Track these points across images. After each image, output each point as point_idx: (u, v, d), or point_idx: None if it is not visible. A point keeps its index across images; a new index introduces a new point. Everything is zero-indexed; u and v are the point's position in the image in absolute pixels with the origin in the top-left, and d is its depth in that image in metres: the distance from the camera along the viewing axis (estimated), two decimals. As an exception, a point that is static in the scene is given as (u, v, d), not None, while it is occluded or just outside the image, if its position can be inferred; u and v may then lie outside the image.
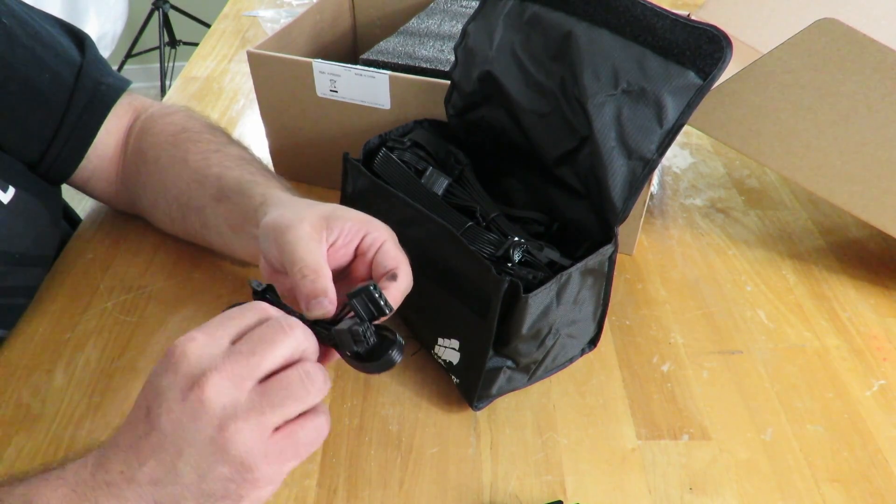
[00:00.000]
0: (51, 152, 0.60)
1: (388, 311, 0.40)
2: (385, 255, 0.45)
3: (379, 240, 0.46)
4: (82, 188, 0.67)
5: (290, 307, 0.43)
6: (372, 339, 0.40)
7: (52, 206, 0.62)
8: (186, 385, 0.35)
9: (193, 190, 0.59)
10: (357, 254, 0.46)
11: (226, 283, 0.65)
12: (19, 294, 0.60)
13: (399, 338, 0.40)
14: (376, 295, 0.40)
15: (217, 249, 0.62)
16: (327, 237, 0.44)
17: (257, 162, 0.61)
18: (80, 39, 0.63)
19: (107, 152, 0.64)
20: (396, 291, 0.44)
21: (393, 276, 0.44)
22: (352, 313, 0.40)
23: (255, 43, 0.72)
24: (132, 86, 0.66)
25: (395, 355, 0.39)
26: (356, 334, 0.39)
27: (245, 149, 0.64)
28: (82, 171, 0.63)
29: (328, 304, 0.41)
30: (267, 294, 0.45)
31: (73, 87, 0.60)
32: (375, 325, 0.40)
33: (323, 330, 0.41)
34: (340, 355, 0.42)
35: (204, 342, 0.36)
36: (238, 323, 0.37)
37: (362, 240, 0.46)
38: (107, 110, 0.62)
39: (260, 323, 0.38)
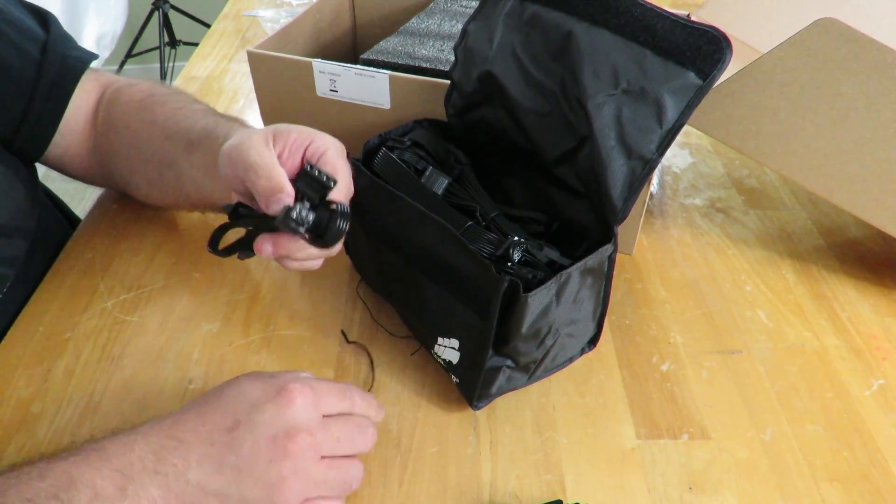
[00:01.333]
0: (24, 128, 0.61)
1: (331, 184, 0.45)
2: (325, 162, 0.48)
3: (322, 148, 0.49)
4: (57, 165, 0.68)
5: (261, 212, 0.46)
6: (310, 215, 0.43)
7: (26, 180, 0.63)
8: (281, 431, 0.41)
9: (166, 147, 0.61)
10: (304, 163, 0.49)
11: (225, 284, 0.65)
12: (2, 264, 0.60)
13: (342, 206, 0.44)
14: (315, 173, 0.44)
15: (194, 201, 0.64)
16: (275, 146, 0.48)
17: (220, 113, 0.64)
18: (43, 17, 0.64)
19: (77, 126, 0.65)
20: (338, 194, 0.47)
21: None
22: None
23: (255, 43, 0.72)
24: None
25: (341, 224, 0.43)
26: (294, 216, 0.43)
27: (209, 106, 0.66)
28: (55, 147, 0.64)
29: (286, 198, 0.45)
30: (239, 208, 0.48)
31: (39, 61, 0.60)
32: (324, 202, 0.44)
33: (291, 222, 0.44)
34: (310, 242, 0.46)
35: (311, 402, 0.42)
36: (341, 404, 0.45)
37: (307, 150, 0.49)
38: (75, 82, 0.63)
39: (353, 413, 0.45)
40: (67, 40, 0.64)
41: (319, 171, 0.45)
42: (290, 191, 0.45)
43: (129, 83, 0.67)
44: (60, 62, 0.62)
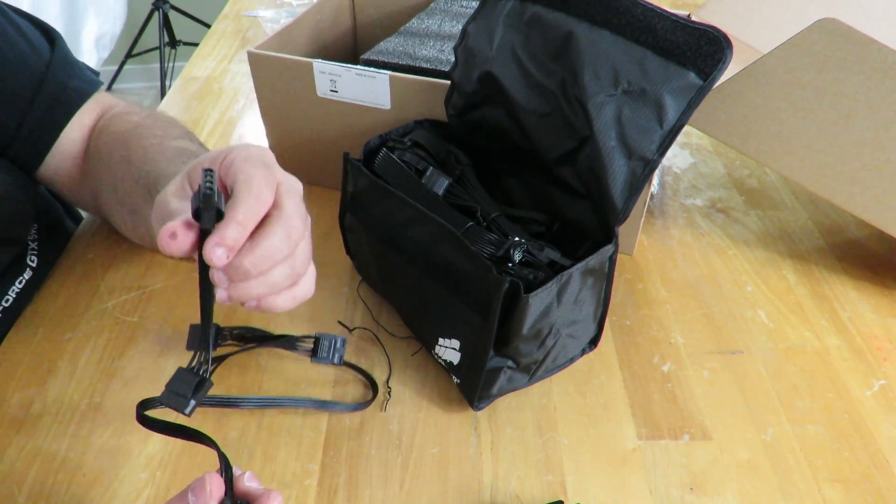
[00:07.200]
0: (15, 145, 0.59)
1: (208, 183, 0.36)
2: (226, 169, 0.39)
3: (230, 158, 0.40)
4: (48, 185, 0.66)
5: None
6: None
7: (24, 187, 0.61)
8: None
9: (134, 191, 0.56)
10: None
11: (226, 284, 0.65)
12: None
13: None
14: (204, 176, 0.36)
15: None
16: (192, 185, 0.41)
17: (190, 145, 0.59)
18: (51, 38, 0.62)
19: (72, 151, 0.63)
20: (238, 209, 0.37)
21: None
22: None
23: (255, 43, 0.72)
24: (132, 85, 0.65)
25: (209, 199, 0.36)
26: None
27: (190, 135, 0.61)
28: (46, 168, 0.62)
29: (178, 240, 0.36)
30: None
31: (38, 86, 0.59)
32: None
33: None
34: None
35: None
36: None
37: (220, 167, 0.40)
38: (71, 114, 0.61)
39: None
40: (71, 66, 0.62)
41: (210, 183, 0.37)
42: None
43: (126, 111, 0.64)
44: (58, 91, 0.60)
